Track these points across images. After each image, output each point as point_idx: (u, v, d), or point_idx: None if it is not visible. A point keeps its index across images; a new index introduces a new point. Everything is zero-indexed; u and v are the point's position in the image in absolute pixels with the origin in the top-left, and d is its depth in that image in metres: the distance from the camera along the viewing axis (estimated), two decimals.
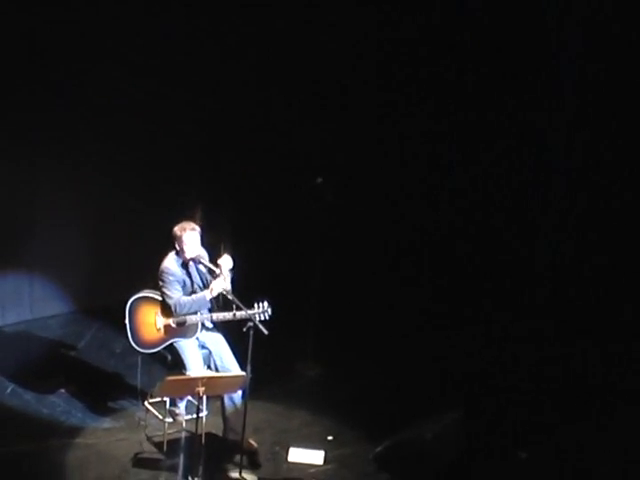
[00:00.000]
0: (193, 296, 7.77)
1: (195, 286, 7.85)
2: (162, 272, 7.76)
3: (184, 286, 7.80)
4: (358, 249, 10.94)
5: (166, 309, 7.77)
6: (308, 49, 10.65)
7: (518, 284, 10.53)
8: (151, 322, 7.85)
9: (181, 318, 7.73)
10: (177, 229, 7.80)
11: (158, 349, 7.88)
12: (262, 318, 7.56)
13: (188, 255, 7.77)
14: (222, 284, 7.69)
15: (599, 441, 8.20)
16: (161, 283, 7.76)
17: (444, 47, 10.83)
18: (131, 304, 7.90)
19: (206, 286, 7.86)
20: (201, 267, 7.86)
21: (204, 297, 7.74)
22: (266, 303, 7.64)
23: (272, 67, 10.68)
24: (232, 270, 7.80)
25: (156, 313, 7.84)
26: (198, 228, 7.83)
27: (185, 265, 7.83)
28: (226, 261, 7.81)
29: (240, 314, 7.60)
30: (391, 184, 11.17)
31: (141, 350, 7.93)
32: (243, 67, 10.56)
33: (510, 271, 10.62)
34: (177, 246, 7.79)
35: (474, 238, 10.89)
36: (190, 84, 10.35)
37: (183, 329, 7.79)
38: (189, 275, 7.84)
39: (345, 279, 10.58)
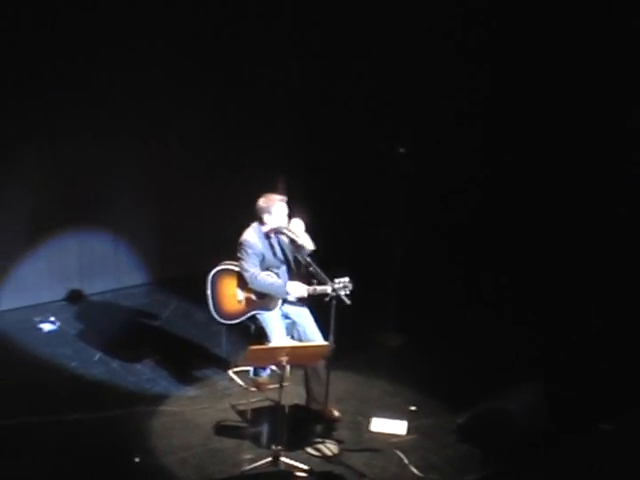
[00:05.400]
0: (273, 280, 7.76)
1: (275, 259, 7.86)
2: (241, 244, 7.78)
3: (263, 259, 7.80)
4: (441, 220, 10.89)
5: (246, 282, 7.82)
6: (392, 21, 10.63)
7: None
8: (232, 294, 7.91)
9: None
10: (263, 200, 7.79)
11: (239, 321, 7.94)
12: (344, 293, 7.50)
13: (272, 226, 7.79)
14: (302, 290, 7.69)
15: None
16: (239, 255, 7.78)
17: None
18: (212, 276, 7.95)
19: (287, 260, 7.89)
20: (284, 238, 7.87)
21: (283, 287, 7.73)
22: (347, 278, 7.58)
23: (360, 38, 10.67)
24: (313, 242, 7.82)
25: (237, 285, 7.90)
26: (286, 199, 7.82)
27: (267, 237, 7.85)
28: (297, 224, 7.79)
29: (321, 289, 7.59)
30: (474, 157, 11.08)
31: (223, 321, 8.00)
32: (330, 37, 10.57)
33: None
34: (262, 217, 7.79)
35: (553, 212, 10.74)
36: (270, 54, 10.41)
37: (264, 301, 7.82)
38: (271, 247, 7.85)
39: (427, 250, 10.54)
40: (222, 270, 7.97)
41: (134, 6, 9.54)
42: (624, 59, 9.94)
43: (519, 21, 10.67)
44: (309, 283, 7.71)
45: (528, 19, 10.59)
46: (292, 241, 7.79)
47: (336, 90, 10.78)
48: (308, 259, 7.64)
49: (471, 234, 11.03)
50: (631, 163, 9.97)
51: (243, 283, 7.83)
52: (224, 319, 7.97)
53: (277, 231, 7.82)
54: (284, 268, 7.91)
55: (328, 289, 7.53)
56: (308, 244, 7.71)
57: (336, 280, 7.54)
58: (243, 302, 7.88)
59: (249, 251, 7.75)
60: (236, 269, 7.88)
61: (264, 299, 7.81)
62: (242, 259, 7.77)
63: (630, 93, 9.96)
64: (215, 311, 7.96)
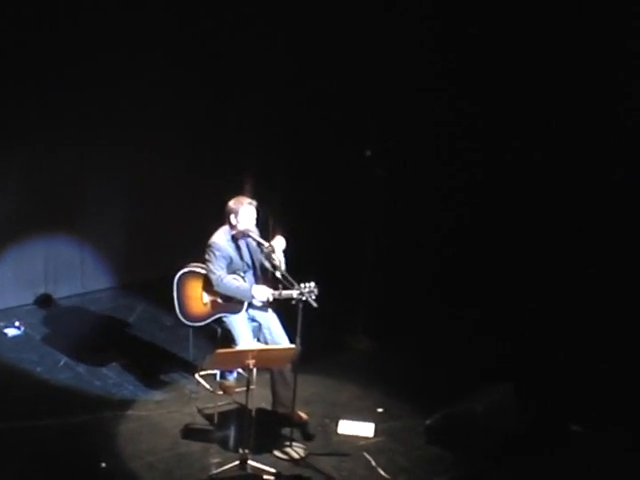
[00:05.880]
0: (238, 283, 7.73)
1: (242, 263, 7.84)
2: (209, 246, 7.75)
3: (231, 263, 7.78)
4: (409, 223, 10.86)
5: (212, 284, 7.79)
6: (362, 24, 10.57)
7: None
8: (198, 296, 7.88)
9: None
10: (233, 202, 7.76)
11: (205, 323, 7.91)
12: (310, 298, 7.45)
13: (240, 228, 7.75)
14: (267, 294, 7.66)
15: None
16: (207, 257, 7.75)
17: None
18: (178, 278, 7.92)
19: (254, 264, 7.86)
20: (250, 241, 7.84)
21: (248, 291, 7.71)
22: (313, 283, 7.55)
23: (328, 42, 10.59)
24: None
25: (203, 288, 7.87)
26: (255, 203, 7.79)
27: (235, 240, 7.82)
28: (279, 242, 7.80)
29: (287, 293, 7.56)
30: (443, 158, 11.03)
31: (189, 324, 7.97)
32: (298, 41, 10.52)
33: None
34: (230, 219, 7.75)
35: (526, 215, 10.70)
36: (242, 60, 10.36)
37: (230, 305, 7.79)
38: (238, 250, 7.83)
39: (396, 252, 10.52)
40: (188, 272, 7.93)
41: (110, 16, 9.47)
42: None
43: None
44: (275, 287, 7.68)
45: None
46: (259, 244, 7.77)
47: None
48: (277, 265, 7.62)
49: (444, 238, 10.99)
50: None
51: (209, 286, 7.79)
52: (190, 321, 7.94)
53: (245, 234, 7.79)
54: (250, 272, 7.88)
55: (294, 293, 7.50)
56: (282, 264, 7.68)
57: (302, 285, 7.52)
58: (209, 305, 7.84)
59: (217, 253, 7.72)
60: (202, 271, 7.84)
61: (230, 302, 7.77)
62: (209, 261, 7.74)
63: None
64: (181, 313, 7.93)
